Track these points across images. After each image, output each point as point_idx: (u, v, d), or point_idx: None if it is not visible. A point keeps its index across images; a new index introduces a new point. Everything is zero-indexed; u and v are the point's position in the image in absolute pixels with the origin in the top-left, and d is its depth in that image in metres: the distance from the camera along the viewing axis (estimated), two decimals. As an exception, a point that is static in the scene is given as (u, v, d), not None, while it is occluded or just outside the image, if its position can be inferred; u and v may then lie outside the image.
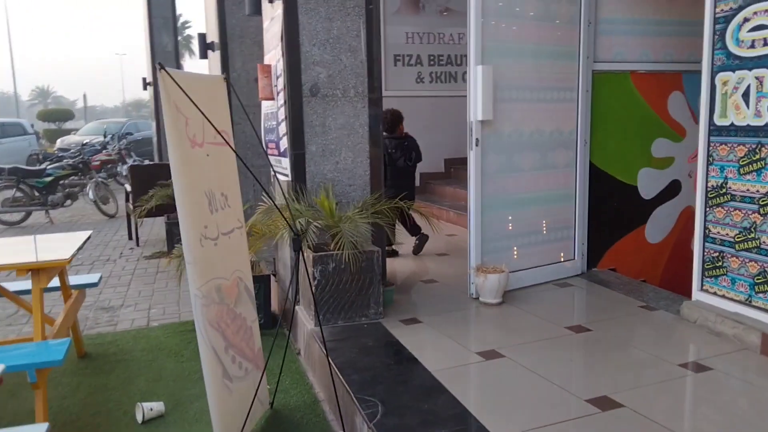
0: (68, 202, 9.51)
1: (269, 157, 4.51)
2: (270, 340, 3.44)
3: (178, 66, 13.37)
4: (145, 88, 13.71)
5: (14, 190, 9.00)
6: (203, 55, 7.07)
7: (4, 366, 2.10)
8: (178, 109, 2.53)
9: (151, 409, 3.13)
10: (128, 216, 8.11)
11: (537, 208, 4.33)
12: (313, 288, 3.57)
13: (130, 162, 13.41)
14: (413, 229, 5.45)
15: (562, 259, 4.51)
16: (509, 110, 4.05)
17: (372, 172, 4.07)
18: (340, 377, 2.92)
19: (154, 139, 13.61)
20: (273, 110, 4.23)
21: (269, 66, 4.15)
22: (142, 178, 7.33)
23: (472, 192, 3.97)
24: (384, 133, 4.65)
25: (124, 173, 10.93)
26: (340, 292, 3.63)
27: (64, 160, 9.85)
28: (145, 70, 13.53)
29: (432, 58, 8.35)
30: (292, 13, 3.82)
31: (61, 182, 9.38)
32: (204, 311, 2.58)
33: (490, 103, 3.86)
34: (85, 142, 14.70)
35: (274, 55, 4.13)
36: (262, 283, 4.37)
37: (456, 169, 8.40)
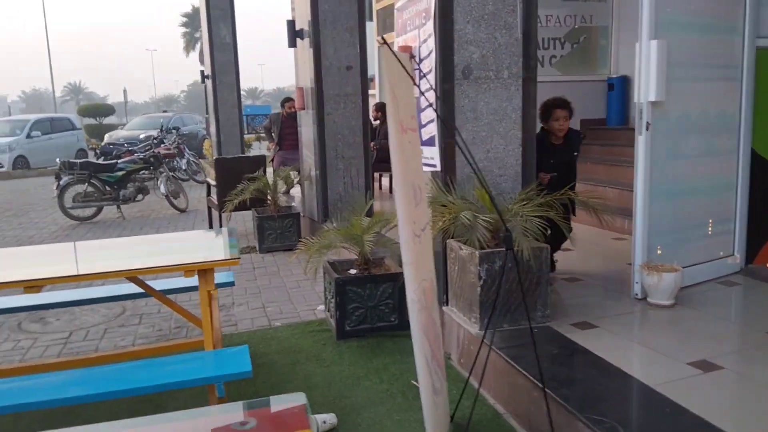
0: (140, 196, 9.36)
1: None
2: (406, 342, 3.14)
3: (236, 58, 13.15)
4: (203, 81, 13.54)
5: (86, 185, 8.87)
6: (292, 44, 6.78)
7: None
8: (393, 88, 2.23)
9: (325, 422, 2.86)
10: (209, 210, 7.91)
11: (698, 199, 3.94)
12: (479, 288, 3.26)
13: (187, 156, 13.26)
14: None
15: (722, 255, 4.12)
16: (678, 90, 3.67)
17: (524, 161, 3.73)
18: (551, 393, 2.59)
19: (213, 133, 13.44)
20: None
21: (409, 47, 3.83)
22: (227, 171, 7.10)
23: (640, 181, 3.60)
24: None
25: (183, 167, 10.79)
26: (506, 292, 3.30)
27: (135, 155, 9.68)
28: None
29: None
30: (445, -13, 3.48)
31: (132, 177, 9.22)
32: (418, 317, 2.29)
33: (663, 82, 3.48)
34: (141, 136, 14.61)
35: (413, 36, 3.80)
36: (396, 281, 4.07)
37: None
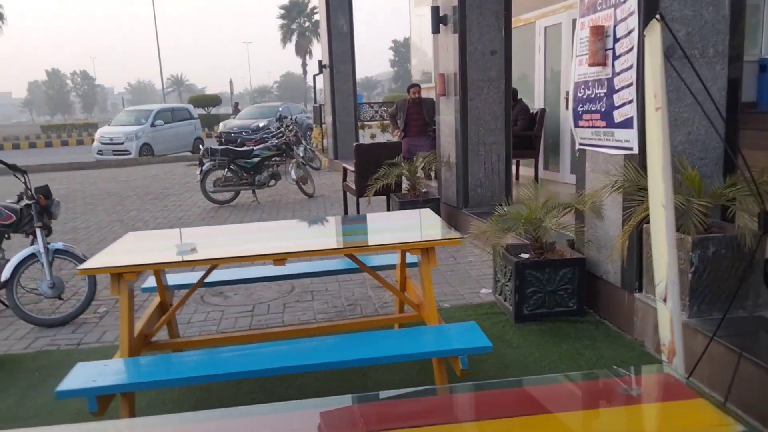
0: (272, 182, 9.76)
1: (579, 129, 4.13)
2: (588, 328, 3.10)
3: (352, 46, 13.40)
4: (320, 71, 13.89)
5: (226, 170, 9.34)
6: (435, 30, 6.82)
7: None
8: (653, 67, 2.20)
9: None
10: (344, 194, 8.13)
11: None
12: (690, 275, 3.16)
13: (304, 143, 13.68)
14: None
15: None
16: None
17: (728, 142, 3.57)
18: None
19: (329, 122, 13.78)
20: (600, 77, 3.82)
21: (602, 27, 3.75)
22: (366, 157, 7.26)
23: None
24: None
25: (301, 154, 11.12)
26: (718, 280, 3.19)
27: (269, 142, 10.10)
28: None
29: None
30: (652, -36, 3.38)
31: (266, 163, 9.63)
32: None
33: None
34: (260, 125, 15.19)
35: (607, 15, 3.71)
36: (576, 266, 4.03)
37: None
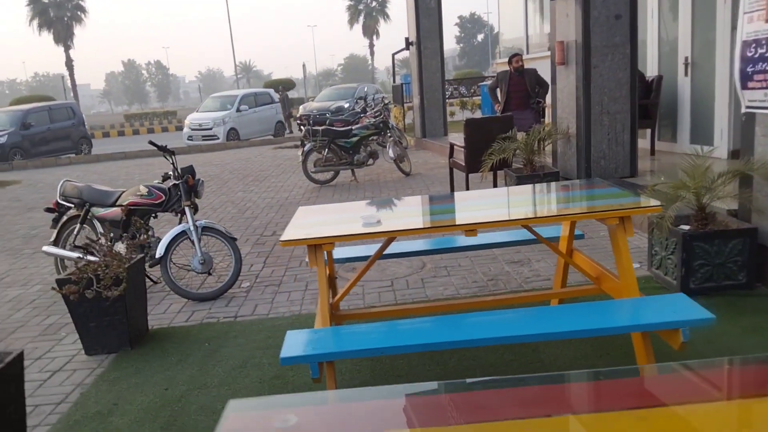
0: (371, 161, 9.77)
1: (748, 91, 3.85)
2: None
3: (440, 21, 13.20)
4: (407, 48, 13.77)
5: (326, 150, 9.41)
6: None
7: None
8: None
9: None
10: (450, 171, 8.03)
11: None
12: None
13: (390, 123, 13.65)
14: None
15: None
16: None
17: None
18: None
19: (417, 100, 13.66)
20: (781, 32, 3.54)
21: (785, -22, 3.46)
22: (476, 132, 7.12)
23: None
24: None
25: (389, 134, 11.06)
26: None
27: (367, 121, 10.11)
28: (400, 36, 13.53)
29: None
30: None
31: (364, 142, 9.64)
32: None
33: None
34: (345, 105, 15.27)
35: (792, -37, 3.42)
36: (747, 237, 3.79)
37: None
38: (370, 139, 9.85)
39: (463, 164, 7.38)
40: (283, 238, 2.67)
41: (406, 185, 9.06)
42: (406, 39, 13.67)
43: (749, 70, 3.83)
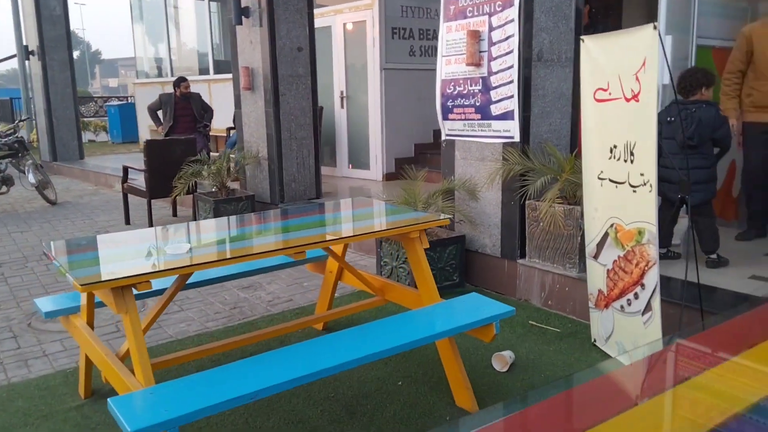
0: (4, 188, 8.05)
1: (449, 121, 4.62)
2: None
3: (68, 31, 11.68)
4: (27, 58, 11.77)
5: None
6: (238, 21, 6.56)
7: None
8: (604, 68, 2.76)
9: (511, 357, 3.28)
10: (125, 197, 7.22)
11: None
12: (579, 238, 3.91)
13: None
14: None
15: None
16: None
17: (572, 133, 4.45)
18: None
19: (43, 119, 11.76)
20: (475, 76, 4.35)
21: (477, 32, 4.27)
22: (159, 155, 6.63)
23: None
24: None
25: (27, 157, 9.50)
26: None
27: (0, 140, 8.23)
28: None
29: (422, 32, 8.66)
30: (529, -19, 4.02)
31: (-5, 166, 7.90)
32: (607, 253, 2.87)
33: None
34: None
35: (482, 21, 4.26)
36: (459, 244, 4.52)
37: (445, 139, 8.85)
38: (3, 161, 8.13)
39: (145, 189, 6.75)
40: (80, 281, 2.06)
41: (60, 215, 7.75)
42: (25, 47, 11.70)
43: (449, 104, 4.60)
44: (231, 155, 6.78)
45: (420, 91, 8.60)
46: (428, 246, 3.04)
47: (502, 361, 3.27)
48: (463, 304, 2.86)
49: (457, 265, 4.54)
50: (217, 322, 4.12)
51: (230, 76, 11.23)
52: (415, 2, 8.49)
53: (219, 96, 10.95)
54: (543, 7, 4.12)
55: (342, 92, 8.74)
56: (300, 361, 2.28)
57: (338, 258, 3.32)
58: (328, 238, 2.78)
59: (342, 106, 8.80)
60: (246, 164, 6.95)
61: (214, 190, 6.66)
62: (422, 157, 8.68)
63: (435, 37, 8.76)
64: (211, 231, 3.20)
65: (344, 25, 8.57)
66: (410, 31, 8.52)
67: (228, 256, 2.49)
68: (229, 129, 9.55)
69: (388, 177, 8.42)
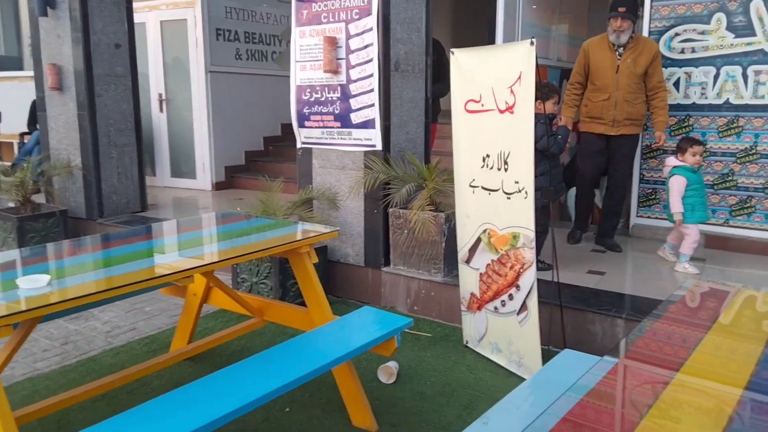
0: None
1: (305, 129, 4.47)
2: (337, 307, 3.78)
3: None
4: None
5: None
6: (42, 12, 5.67)
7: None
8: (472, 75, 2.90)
9: (396, 367, 3.26)
10: None
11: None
12: (444, 243, 4.03)
13: None
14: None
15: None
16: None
17: (425, 142, 4.57)
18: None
19: None
20: (333, 83, 4.26)
21: (334, 39, 4.18)
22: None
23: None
24: None
25: None
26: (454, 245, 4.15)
27: None
28: None
29: (248, 35, 8.33)
30: (386, -10, 4.04)
31: None
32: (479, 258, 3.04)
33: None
34: None
35: (338, 28, 4.18)
36: (321, 254, 4.39)
37: (275, 147, 8.64)
38: None
39: None
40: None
41: None
42: None
43: (306, 111, 4.45)
44: (33, 164, 5.85)
45: (249, 96, 8.28)
46: (317, 260, 2.88)
47: (387, 372, 3.23)
48: (360, 320, 2.76)
49: (320, 277, 4.39)
50: (48, 362, 3.50)
51: (18, 74, 9.96)
52: (240, 4, 8.15)
53: (8, 97, 9.44)
54: (398, 18, 4.17)
55: (161, 95, 8.07)
56: (183, 414, 1.95)
57: (212, 278, 3.00)
58: (215, 259, 2.49)
59: (161, 110, 8.12)
60: (55, 175, 6.06)
61: (14, 205, 5.71)
62: (254, 165, 8.36)
63: (262, 41, 8.52)
64: (68, 255, 2.70)
65: (161, 22, 7.92)
66: (236, 34, 8.16)
67: (104, 288, 2.09)
68: (22, 134, 8.29)
69: (219, 186, 7.96)
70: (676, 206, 4.14)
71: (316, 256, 2.87)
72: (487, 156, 3.23)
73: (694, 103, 4.93)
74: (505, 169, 3.13)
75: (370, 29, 4.07)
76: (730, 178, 4.84)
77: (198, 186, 8.02)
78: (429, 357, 3.55)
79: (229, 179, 8.13)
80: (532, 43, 2.84)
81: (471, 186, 3.39)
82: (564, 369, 1.74)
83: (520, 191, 3.06)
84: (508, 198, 3.14)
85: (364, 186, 4.18)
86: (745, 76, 4.70)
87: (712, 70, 4.83)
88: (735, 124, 4.80)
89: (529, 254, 3.09)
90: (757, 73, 4.65)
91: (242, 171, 8.27)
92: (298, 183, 4.66)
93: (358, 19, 4.11)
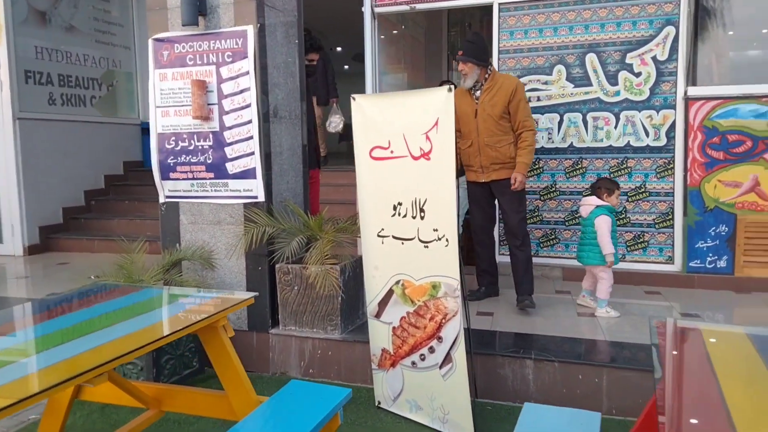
0: None
1: (170, 181, 3.96)
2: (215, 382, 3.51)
3: None
4: None
5: None
6: None
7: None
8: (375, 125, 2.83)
9: None
10: None
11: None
12: (341, 297, 3.79)
13: None
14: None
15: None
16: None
17: (304, 192, 4.31)
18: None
19: None
20: (203, 130, 3.84)
21: (204, 82, 3.79)
22: None
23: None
24: None
25: None
26: (354, 299, 3.92)
27: None
28: None
29: (62, 78, 7.37)
30: (262, 33, 3.78)
31: None
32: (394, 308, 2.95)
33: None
34: None
35: (208, 71, 3.81)
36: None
37: (98, 201, 7.69)
38: None
39: None
40: None
41: None
42: None
43: (170, 161, 3.95)
44: None
45: (66, 146, 7.29)
46: (233, 334, 2.48)
47: None
48: (293, 399, 2.40)
49: (196, 349, 3.88)
50: None
51: None
52: (53, 44, 7.22)
53: None
54: (274, 62, 3.93)
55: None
56: None
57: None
58: (101, 361, 1.96)
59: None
60: None
61: None
62: (74, 223, 7.32)
63: (79, 84, 7.63)
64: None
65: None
66: (49, 76, 7.19)
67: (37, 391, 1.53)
68: None
69: (32, 250, 6.81)
70: (609, 246, 3.98)
71: (232, 329, 2.47)
72: (399, 204, 3.10)
73: (542, 147, 5.33)
74: (422, 217, 3.01)
75: (246, 73, 3.77)
76: (623, 215, 5.16)
77: (6, 251, 6.78)
78: (343, 426, 3.24)
79: (45, 241, 7.02)
80: (450, 89, 2.79)
81: (380, 236, 3.23)
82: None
83: (440, 239, 2.95)
84: (426, 246, 3.02)
85: (247, 241, 3.79)
86: (585, 122, 5.20)
87: (557, 116, 5.28)
88: (579, 165, 5.26)
89: (452, 303, 2.99)
90: (596, 119, 5.17)
91: (60, 231, 7.20)
92: (161, 242, 4.10)
93: (232, 62, 3.79)
